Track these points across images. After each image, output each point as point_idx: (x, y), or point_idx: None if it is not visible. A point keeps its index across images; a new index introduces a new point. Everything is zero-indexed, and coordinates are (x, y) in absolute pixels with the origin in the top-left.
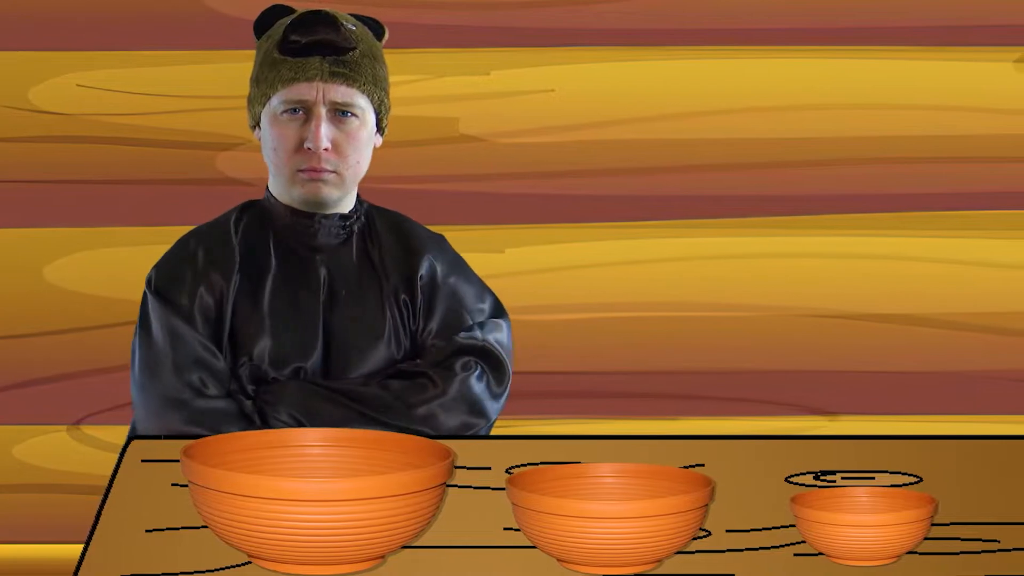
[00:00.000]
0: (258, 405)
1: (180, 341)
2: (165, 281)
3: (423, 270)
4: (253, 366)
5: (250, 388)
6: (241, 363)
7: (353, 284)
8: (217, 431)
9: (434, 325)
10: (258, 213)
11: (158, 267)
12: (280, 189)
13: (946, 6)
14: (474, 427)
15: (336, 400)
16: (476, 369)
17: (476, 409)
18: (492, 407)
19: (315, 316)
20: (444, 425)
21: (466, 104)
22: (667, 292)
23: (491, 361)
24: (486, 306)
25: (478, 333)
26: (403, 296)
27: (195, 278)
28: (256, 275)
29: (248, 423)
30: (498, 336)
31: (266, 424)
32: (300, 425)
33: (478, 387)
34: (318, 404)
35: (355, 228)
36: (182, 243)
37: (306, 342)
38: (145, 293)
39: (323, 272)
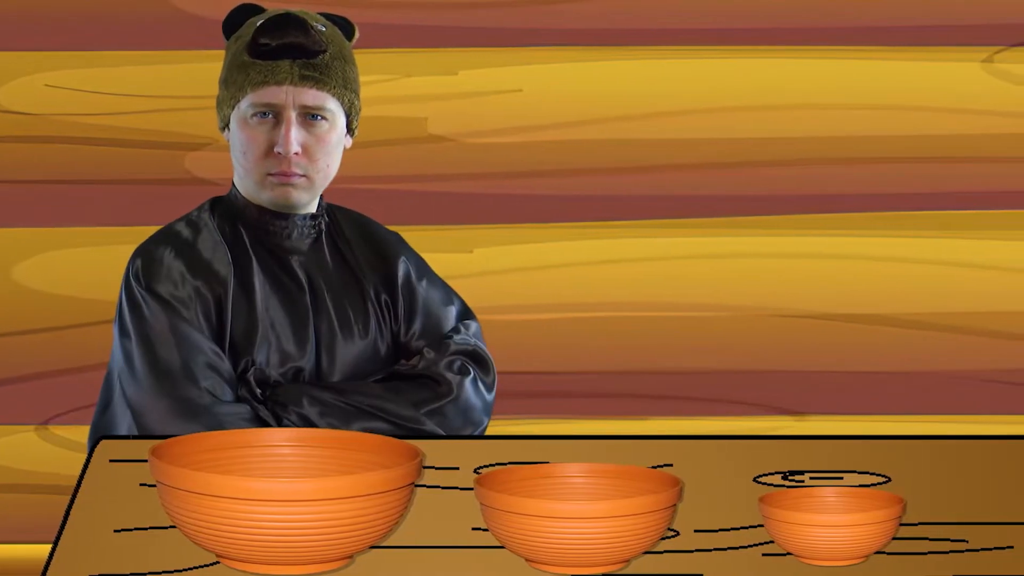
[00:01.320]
0: (271, 408)
1: (190, 346)
2: (165, 283)
3: (401, 271)
4: (258, 370)
5: (257, 391)
6: (247, 367)
7: (334, 285)
8: None
9: (417, 327)
10: (227, 212)
11: (150, 268)
12: (249, 191)
13: (914, 7)
14: (474, 430)
15: (348, 401)
16: (471, 373)
17: (475, 415)
18: (487, 409)
19: (306, 317)
20: (451, 427)
21: (434, 104)
22: (636, 292)
23: (482, 365)
24: (455, 307)
25: (468, 336)
26: (384, 297)
27: (194, 281)
28: (243, 277)
29: (264, 427)
30: (480, 339)
31: (280, 427)
32: (311, 426)
33: (475, 391)
34: (332, 405)
35: (322, 227)
36: (173, 243)
37: (301, 343)
38: (136, 294)
39: (302, 273)
